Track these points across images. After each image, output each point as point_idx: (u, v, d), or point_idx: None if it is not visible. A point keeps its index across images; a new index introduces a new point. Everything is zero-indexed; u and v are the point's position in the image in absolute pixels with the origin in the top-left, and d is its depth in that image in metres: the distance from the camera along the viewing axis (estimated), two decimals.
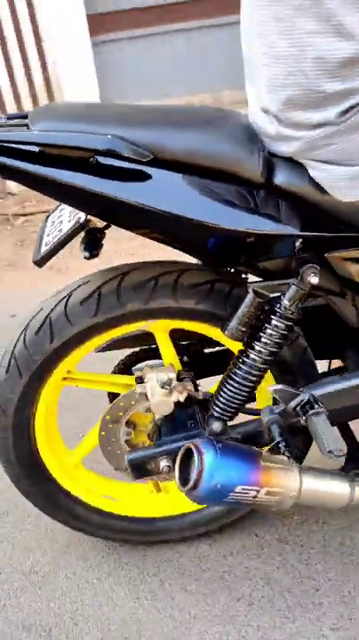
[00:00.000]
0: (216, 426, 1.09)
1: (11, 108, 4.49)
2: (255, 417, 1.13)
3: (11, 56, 4.48)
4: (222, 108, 0.99)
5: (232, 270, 1.08)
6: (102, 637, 1.19)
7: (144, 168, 0.88)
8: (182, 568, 1.31)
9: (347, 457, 1.19)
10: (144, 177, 0.89)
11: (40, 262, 1.00)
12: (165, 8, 4.37)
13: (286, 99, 0.83)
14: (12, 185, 3.79)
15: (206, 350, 1.28)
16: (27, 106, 4.57)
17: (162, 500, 1.34)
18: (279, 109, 0.85)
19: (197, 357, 1.27)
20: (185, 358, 1.25)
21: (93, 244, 1.00)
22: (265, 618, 1.19)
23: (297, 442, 1.14)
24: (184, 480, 0.99)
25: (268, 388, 1.05)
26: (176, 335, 1.19)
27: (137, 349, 1.26)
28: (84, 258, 0.99)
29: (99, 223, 1.00)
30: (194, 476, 0.97)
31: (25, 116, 0.94)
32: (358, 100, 0.78)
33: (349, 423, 1.24)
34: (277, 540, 1.35)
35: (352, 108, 0.79)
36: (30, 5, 4.37)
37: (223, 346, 1.20)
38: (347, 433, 1.25)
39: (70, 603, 1.27)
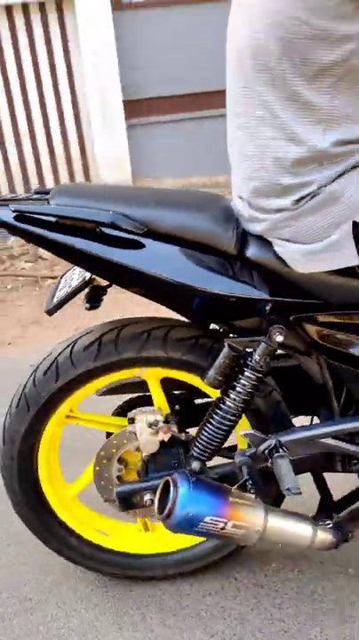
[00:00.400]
0: (195, 465, 1.22)
1: (50, 182, 4.88)
2: (231, 460, 1.27)
3: (52, 136, 4.91)
4: (211, 193, 1.20)
5: (214, 327, 1.25)
6: None
7: (139, 238, 1.08)
8: (163, 604, 1.42)
9: (319, 507, 1.31)
10: (139, 245, 1.08)
11: (50, 311, 1.19)
12: (194, 97, 4.78)
13: (254, 188, 1.03)
14: (44, 250, 4.07)
15: (196, 401, 1.43)
16: (65, 180, 4.97)
17: (149, 538, 1.46)
18: (249, 196, 1.04)
19: (187, 407, 1.41)
20: (177, 407, 1.40)
21: (95, 299, 1.19)
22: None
23: (269, 485, 1.27)
24: (161, 509, 1.13)
25: (240, 432, 1.20)
26: (169, 385, 1.36)
27: (134, 396, 1.42)
28: (85, 309, 1.18)
29: (103, 282, 1.19)
30: (169, 505, 1.10)
31: (47, 192, 1.16)
32: (308, 192, 0.97)
33: (327, 476, 1.37)
34: (254, 584, 1.45)
35: (303, 197, 0.98)
36: (73, 92, 4.83)
37: (211, 398, 1.35)
38: (321, 485, 1.37)
39: (57, 628, 1.38)
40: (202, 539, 1.42)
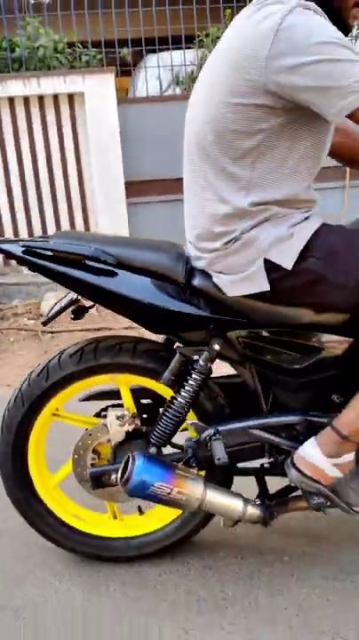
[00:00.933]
0: (152, 450, 1.55)
1: None
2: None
3: (59, 212, 5.45)
4: (169, 241, 1.59)
5: (170, 338, 1.61)
6: (54, 617, 1.56)
7: (114, 269, 1.46)
8: (125, 580, 1.69)
9: (259, 503, 1.62)
10: (114, 274, 1.46)
11: (45, 323, 1.57)
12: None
13: (197, 235, 1.42)
14: (46, 309, 4.48)
15: (160, 409, 1.76)
16: None
17: (117, 525, 1.76)
18: (194, 241, 1.44)
19: (154, 414, 1.75)
20: (144, 415, 1.73)
21: (79, 314, 1.56)
22: (181, 613, 1.55)
23: (215, 472, 1.58)
24: (122, 477, 1.45)
25: (188, 422, 1.54)
26: (139, 396, 1.70)
27: (110, 403, 1.75)
28: (71, 319, 1.55)
29: (87, 303, 1.56)
30: (127, 473, 1.43)
31: (48, 237, 1.55)
32: (233, 237, 1.35)
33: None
34: (203, 566, 1.72)
35: (229, 241, 1.36)
36: (80, 172, 5.40)
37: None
38: (261, 482, 1.68)
39: (35, 595, 1.65)
40: (158, 526, 1.72)
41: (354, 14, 1.36)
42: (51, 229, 5.43)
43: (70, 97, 5.27)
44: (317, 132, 1.31)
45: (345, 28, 1.36)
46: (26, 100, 5.22)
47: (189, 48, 5.78)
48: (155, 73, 5.63)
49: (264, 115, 1.26)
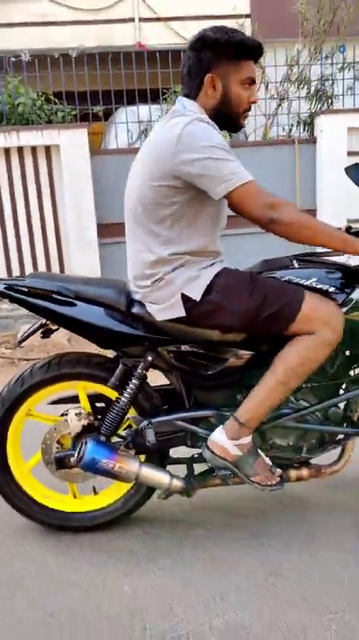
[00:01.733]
0: (102, 438, 2.03)
1: None
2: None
3: (36, 251, 5.96)
4: (117, 279, 2.10)
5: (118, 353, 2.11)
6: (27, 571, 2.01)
7: (73, 300, 1.97)
8: (82, 545, 2.15)
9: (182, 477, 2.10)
10: (73, 305, 1.97)
11: (19, 342, 2.07)
12: None
13: (134, 275, 1.94)
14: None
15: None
16: None
17: (76, 502, 2.22)
18: (132, 279, 1.96)
19: (104, 413, 2.23)
20: (99, 416, 2.21)
21: (47, 334, 2.07)
22: (123, 564, 2.01)
23: (153, 457, 2.08)
24: (77, 456, 1.93)
25: (128, 416, 2.03)
26: (94, 400, 2.19)
27: (72, 405, 2.23)
28: (40, 337, 2.05)
29: (53, 326, 2.07)
30: (81, 452, 1.92)
31: (24, 276, 2.06)
32: (157, 278, 1.86)
33: None
34: (143, 532, 2.19)
35: (155, 281, 1.88)
36: (55, 216, 5.94)
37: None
38: (190, 468, 2.17)
39: (19, 561, 2.10)
40: (108, 502, 2.19)
41: (244, 117, 1.94)
42: (29, 268, 5.94)
43: (47, 149, 5.85)
44: (213, 204, 1.86)
45: (237, 126, 1.94)
46: (6, 151, 5.79)
47: (156, 103, 6.42)
48: (125, 126, 6.25)
49: (174, 192, 1.80)
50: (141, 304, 1.97)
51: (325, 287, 1.96)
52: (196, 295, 1.87)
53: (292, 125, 6.49)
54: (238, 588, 1.87)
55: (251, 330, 1.93)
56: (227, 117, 1.91)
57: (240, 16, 7.54)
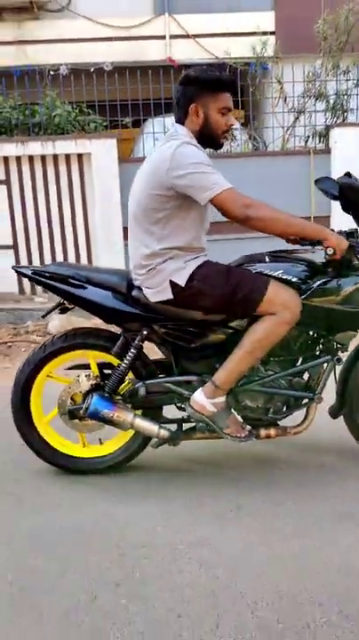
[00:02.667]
0: (105, 395, 2.53)
1: None
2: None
3: (68, 251, 6.51)
4: (121, 269, 2.60)
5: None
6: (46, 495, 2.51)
7: (84, 284, 2.47)
8: (88, 481, 2.63)
9: (169, 428, 2.57)
10: (84, 287, 2.47)
11: (44, 316, 2.59)
12: None
13: (134, 265, 2.43)
14: (52, 329, 5.50)
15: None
16: None
17: (85, 450, 2.72)
18: (132, 268, 2.45)
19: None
20: (105, 380, 2.70)
21: (63, 311, 2.58)
22: (117, 496, 2.50)
23: (150, 410, 2.56)
24: (85, 407, 2.43)
25: (127, 378, 2.52)
26: (103, 367, 2.68)
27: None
28: (59, 313, 2.56)
29: (69, 305, 2.57)
30: (87, 403, 2.41)
31: (48, 265, 2.56)
32: (151, 267, 2.34)
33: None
34: (138, 474, 2.67)
35: (150, 270, 2.36)
36: (86, 218, 6.48)
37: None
38: (179, 426, 2.64)
39: (38, 498, 2.61)
40: (110, 451, 2.68)
41: (223, 137, 2.42)
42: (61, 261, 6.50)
43: (79, 157, 6.40)
44: (198, 209, 2.33)
45: (218, 145, 2.43)
46: (43, 158, 6.37)
47: None
48: (152, 136, 6.76)
49: (167, 199, 2.29)
50: (139, 289, 2.45)
51: (289, 277, 2.42)
52: (182, 282, 2.34)
53: (309, 137, 6.91)
54: (208, 515, 2.33)
55: (226, 311, 2.40)
56: (209, 138, 2.39)
57: (265, 33, 8.01)
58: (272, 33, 8.28)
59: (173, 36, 8.29)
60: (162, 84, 6.63)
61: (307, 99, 6.91)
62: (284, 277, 2.42)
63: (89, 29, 8.19)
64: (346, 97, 6.87)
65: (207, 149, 2.44)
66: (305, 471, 2.68)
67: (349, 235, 2.46)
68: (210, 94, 2.34)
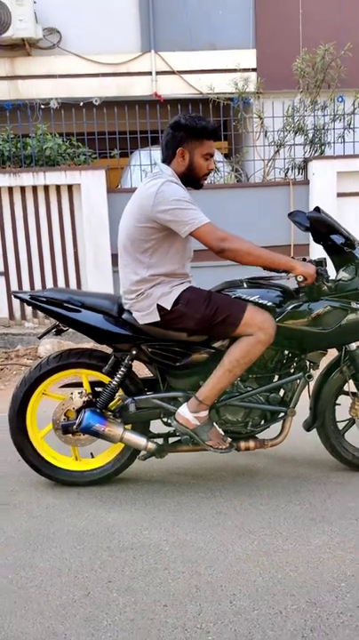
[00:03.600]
0: (97, 411, 2.73)
1: None
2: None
3: (57, 276, 6.74)
4: (112, 294, 2.83)
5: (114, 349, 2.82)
6: (46, 504, 2.70)
7: (79, 308, 2.69)
8: (80, 493, 2.82)
9: (155, 442, 2.78)
10: (79, 311, 2.70)
11: (40, 337, 2.81)
12: None
13: (123, 290, 2.67)
14: (42, 352, 5.69)
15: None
16: None
17: (77, 463, 2.91)
18: (122, 293, 2.69)
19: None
20: (97, 397, 2.91)
21: (59, 333, 2.80)
22: (108, 504, 2.69)
23: (137, 426, 2.77)
24: (78, 423, 2.64)
25: (118, 395, 2.74)
26: (95, 385, 2.89)
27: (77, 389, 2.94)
28: (54, 335, 2.78)
29: (64, 327, 2.79)
30: (80, 418, 2.62)
31: (44, 290, 2.79)
32: (140, 293, 2.57)
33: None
34: (127, 484, 2.87)
35: (138, 295, 2.59)
36: (75, 245, 6.72)
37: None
38: (165, 439, 2.85)
39: (37, 506, 2.79)
40: (101, 464, 2.87)
41: (203, 179, 2.68)
42: (50, 286, 6.72)
43: (69, 187, 6.67)
44: (181, 240, 2.58)
45: (199, 186, 2.68)
46: (34, 188, 6.62)
47: None
48: (139, 168, 7.06)
49: (152, 231, 2.54)
50: (129, 312, 2.68)
51: (264, 302, 2.67)
52: (168, 305, 2.58)
53: (288, 169, 7.25)
54: (191, 520, 2.53)
55: (208, 332, 2.64)
56: (191, 179, 2.65)
57: (247, 70, 8.41)
58: (254, 70, 8.68)
59: (159, 72, 8.66)
60: (148, 117, 6.95)
61: (286, 133, 7.26)
62: (260, 302, 2.67)
63: (79, 66, 8.54)
64: (323, 131, 7.23)
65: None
66: (281, 480, 2.90)
67: (318, 263, 2.71)
68: (196, 141, 2.61)
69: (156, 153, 7.23)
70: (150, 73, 8.65)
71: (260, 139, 7.26)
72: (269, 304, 2.67)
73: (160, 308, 2.59)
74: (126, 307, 2.69)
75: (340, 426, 2.95)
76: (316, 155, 7.24)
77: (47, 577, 2.16)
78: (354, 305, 2.69)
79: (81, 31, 8.48)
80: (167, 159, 2.67)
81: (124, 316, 2.70)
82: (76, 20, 8.45)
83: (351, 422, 2.97)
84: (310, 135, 7.27)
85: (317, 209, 2.78)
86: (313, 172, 6.98)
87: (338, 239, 2.72)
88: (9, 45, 8.31)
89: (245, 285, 2.77)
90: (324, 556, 2.22)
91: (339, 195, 6.96)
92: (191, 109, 7.56)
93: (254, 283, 2.80)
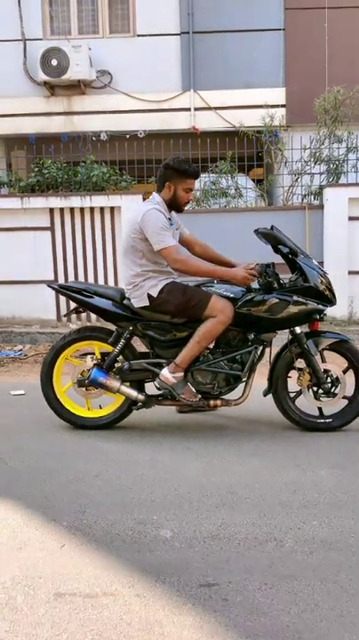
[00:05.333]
0: (102, 370, 3.72)
1: None
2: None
3: (98, 281, 7.79)
4: (119, 287, 3.83)
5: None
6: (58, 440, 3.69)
7: (93, 295, 3.70)
8: (90, 434, 3.79)
9: (144, 394, 3.73)
10: (92, 297, 3.71)
11: (63, 316, 3.84)
12: None
13: (125, 282, 3.66)
14: None
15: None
16: None
17: (89, 412, 3.90)
18: (125, 285, 3.68)
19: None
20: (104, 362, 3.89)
21: (79, 313, 3.81)
22: (113, 442, 3.65)
23: (135, 384, 3.74)
24: (87, 377, 3.63)
25: (119, 359, 3.72)
26: (104, 355, 3.88)
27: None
28: (74, 314, 3.79)
29: (82, 309, 3.80)
30: (89, 374, 3.62)
31: (71, 283, 3.81)
32: (135, 284, 3.55)
33: None
34: (130, 432, 3.82)
35: (134, 286, 3.57)
36: (115, 258, 7.78)
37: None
38: (157, 397, 3.80)
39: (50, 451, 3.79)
40: (107, 413, 3.85)
41: (184, 205, 3.66)
42: None
43: (111, 209, 7.76)
44: None
45: (180, 210, 3.67)
46: (81, 210, 7.74)
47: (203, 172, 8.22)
48: None
49: (141, 241, 3.54)
50: (128, 299, 3.67)
51: (227, 294, 3.59)
52: (154, 294, 3.55)
53: (305, 195, 8.13)
54: (169, 455, 3.46)
55: (185, 315, 3.59)
56: (175, 206, 3.65)
57: (276, 106, 9.38)
58: (283, 106, 9.63)
59: (197, 108, 9.74)
60: (180, 147, 7.99)
61: (306, 163, 8.15)
62: (224, 293, 3.60)
63: (127, 103, 9.72)
64: (339, 162, 8.09)
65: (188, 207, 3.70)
66: (244, 434, 3.78)
67: (267, 266, 3.62)
68: (179, 178, 3.60)
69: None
70: (189, 109, 9.74)
71: (281, 168, 8.17)
72: (231, 295, 3.60)
73: (149, 296, 3.56)
74: (126, 295, 3.68)
75: (293, 395, 3.81)
76: (332, 182, 8.09)
77: (62, 486, 3.14)
78: (295, 298, 3.58)
79: (129, 73, 9.68)
80: (159, 189, 3.67)
81: (125, 302, 3.69)
82: (125, 64, 9.66)
83: (299, 392, 3.82)
84: (329, 165, 8.14)
85: (272, 227, 3.69)
86: (326, 198, 7.82)
87: (283, 249, 3.63)
88: (67, 86, 9.59)
89: (215, 282, 3.70)
90: (264, 473, 3.11)
91: (351, 218, 7.75)
92: (227, 142, 8.54)
93: (224, 280, 3.74)
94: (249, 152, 8.67)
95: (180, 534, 2.44)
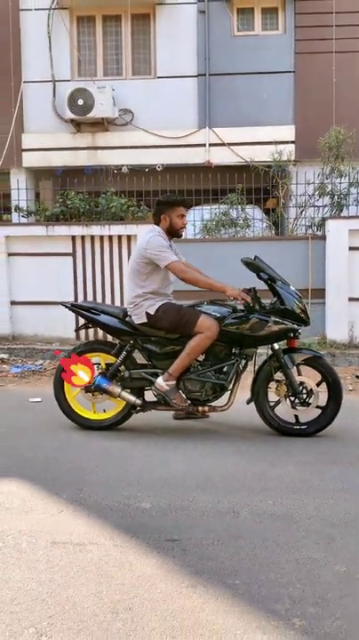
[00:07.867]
0: (105, 377, 4.30)
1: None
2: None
3: (115, 302, 8.43)
4: (122, 307, 4.43)
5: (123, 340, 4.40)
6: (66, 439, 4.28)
7: (100, 313, 4.31)
8: (92, 434, 4.36)
9: (141, 399, 4.30)
10: (99, 315, 4.31)
11: (75, 331, 4.46)
12: None
13: (127, 302, 4.26)
14: None
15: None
16: None
17: (95, 415, 4.48)
18: (126, 304, 4.28)
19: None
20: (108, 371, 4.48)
21: (87, 328, 4.42)
22: (120, 439, 4.22)
23: (135, 390, 4.32)
24: (92, 382, 4.23)
25: (120, 369, 4.30)
26: (108, 365, 4.47)
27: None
28: (84, 329, 4.40)
29: (90, 325, 4.41)
30: (94, 380, 4.21)
31: (82, 302, 4.43)
32: (135, 304, 4.15)
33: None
34: (133, 432, 4.38)
35: (135, 305, 4.16)
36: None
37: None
38: (153, 402, 4.37)
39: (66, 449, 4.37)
40: (109, 416, 4.42)
41: (181, 231, 4.28)
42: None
43: (129, 237, 8.42)
44: (161, 271, 4.16)
45: (178, 235, 4.29)
46: (101, 237, 8.42)
47: (215, 203, 8.87)
48: (193, 223, 8.71)
49: (145, 265, 4.15)
50: (129, 316, 4.27)
51: (214, 314, 4.17)
52: (152, 312, 4.14)
53: (309, 226, 8.69)
54: (162, 449, 4.01)
55: (177, 331, 4.17)
56: (173, 232, 4.27)
57: (286, 142, 10.02)
58: (292, 142, 10.27)
59: (212, 144, 10.45)
60: (192, 180, 8.66)
61: (311, 196, 8.74)
62: (212, 313, 4.17)
63: (146, 139, 10.49)
64: (341, 195, 8.65)
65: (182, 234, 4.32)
66: (228, 437, 4.32)
67: (249, 290, 4.19)
68: (171, 208, 4.23)
69: (205, 211, 8.92)
70: (204, 145, 10.46)
71: (288, 201, 8.77)
72: (218, 315, 4.17)
73: (147, 314, 4.16)
74: (129, 312, 4.28)
75: (272, 404, 4.34)
76: (335, 215, 8.65)
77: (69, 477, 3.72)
78: (273, 318, 4.13)
79: (149, 111, 10.46)
80: (157, 222, 4.29)
81: (127, 319, 4.28)
82: (146, 103, 10.45)
83: (278, 402, 4.35)
84: (332, 198, 8.71)
85: (255, 257, 4.27)
86: (328, 229, 8.37)
87: (263, 276, 4.20)
88: (92, 123, 10.41)
89: (205, 304, 4.29)
90: (238, 466, 3.64)
91: (351, 248, 8.27)
92: (237, 175, 9.18)
93: (213, 302, 4.32)
94: (258, 185, 9.30)
95: (157, 506, 2.99)
